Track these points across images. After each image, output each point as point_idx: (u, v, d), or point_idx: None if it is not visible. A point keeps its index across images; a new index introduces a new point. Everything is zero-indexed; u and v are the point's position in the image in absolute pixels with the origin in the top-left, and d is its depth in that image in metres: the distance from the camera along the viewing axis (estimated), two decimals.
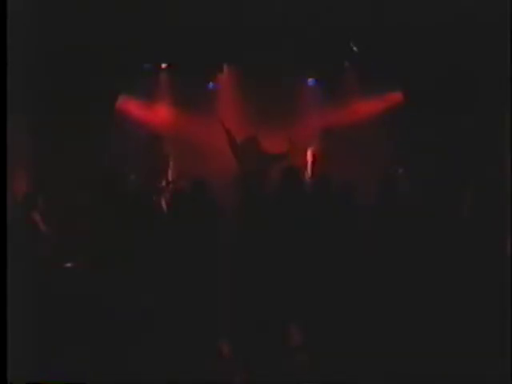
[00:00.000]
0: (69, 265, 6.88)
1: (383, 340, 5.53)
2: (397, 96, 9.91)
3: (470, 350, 5.42)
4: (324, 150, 9.19)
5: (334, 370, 5.37)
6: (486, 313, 5.59)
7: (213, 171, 8.96)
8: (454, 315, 5.60)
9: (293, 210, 6.21)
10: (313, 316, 5.72)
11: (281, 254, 5.92)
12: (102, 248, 6.28)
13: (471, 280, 5.75)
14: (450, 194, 6.63)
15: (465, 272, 5.79)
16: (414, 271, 5.83)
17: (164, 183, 8.83)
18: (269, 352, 5.62)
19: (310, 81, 10.05)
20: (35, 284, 5.75)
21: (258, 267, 5.88)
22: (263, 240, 6.01)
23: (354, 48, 9.30)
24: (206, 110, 10.01)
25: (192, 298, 5.73)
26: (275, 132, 9.52)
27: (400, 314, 5.66)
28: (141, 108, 10.03)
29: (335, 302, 5.75)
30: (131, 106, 9.94)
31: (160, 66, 9.87)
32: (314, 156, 9.04)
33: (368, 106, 10.07)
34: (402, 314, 5.65)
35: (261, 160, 8.93)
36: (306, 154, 9.07)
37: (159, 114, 10.12)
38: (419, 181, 7.96)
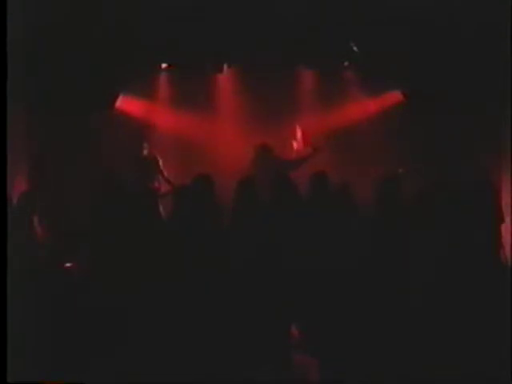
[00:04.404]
0: (68, 265, 6.88)
1: (382, 340, 5.53)
2: (396, 95, 9.92)
3: (471, 350, 5.42)
4: (324, 150, 9.20)
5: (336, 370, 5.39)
6: (485, 313, 5.59)
7: (213, 171, 8.97)
8: (455, 315, 5.60)
9: (293, 210, 6.21)
10: (312, 317, 5.73)
11: (282, 255, 5.93)
12: (101, 248, 6.28)
13: (471, 280, 5.75)
14: (450, 194, 6.62)
15: (465, 272, 5.79)
16: (414, 272, 5.83)
17: (163, 183, 8.84)
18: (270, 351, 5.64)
19: None
20: (35, 284, 5.75)
21: (257, 268, 5.88)
22: (263, 241, 6.01)
23: (354, 48, 9.30)
24: (206, 110, 10.03)
25: (191, 298, 5.73)
26: (275, 132, 9.53)
27: (401, 314, 5.66)
28: (141, 108, 10.04)
29: (336, 303, 5.75)
30: (131, 106, 9.95)
31: (160, 66, 9.88)
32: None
33: (367, 106, 10.08)
34: (403, 315, 5.65)
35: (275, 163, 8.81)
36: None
37: (159, 113, 10.12)
38: (419, 181, 7.97)
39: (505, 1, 7.86)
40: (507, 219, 7.29)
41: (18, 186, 8.09)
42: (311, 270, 5.83)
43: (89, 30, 8.68)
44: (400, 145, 9.55)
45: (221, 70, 9.88)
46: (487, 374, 5.23)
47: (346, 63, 9.81)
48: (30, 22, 8.04)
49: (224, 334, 5.58)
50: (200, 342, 5.50)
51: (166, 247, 5.96)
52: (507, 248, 7.16)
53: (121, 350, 5.46)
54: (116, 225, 6.20)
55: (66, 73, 8.93)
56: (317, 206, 6.25)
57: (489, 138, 8.99)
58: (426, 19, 8.61)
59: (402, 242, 5.96)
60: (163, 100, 10.13)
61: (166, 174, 8.93)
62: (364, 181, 7.65)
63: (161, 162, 8.98)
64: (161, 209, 7.82)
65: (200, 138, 9.92)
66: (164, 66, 9.85)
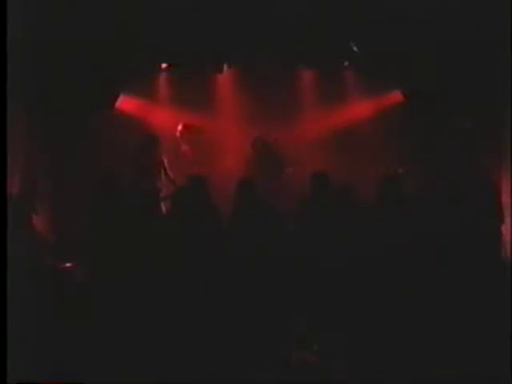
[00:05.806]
0: (68, 265, 6.89)
1: (383, 340, 5.53)
2: (396, 95, 9.91)
3: (471, 350, 5.42)
4: (324, 150, 9.20)
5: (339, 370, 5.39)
6: (486, 313, 5.59)
7: (213, 171, 8.98)
8: (455, 315, 5.60)
9: (292, 209, 6.22)
10: (312, 317, 5.73)
11: (282, 255, 5.93)
12: (101, 247, 6.29)
13: (471, 280, 5.75)
14: (450, 194, 6.63)
15: (465, 272, 5.79)
16: (414, 271, 5.84)
17: (163, 183, 8.84)
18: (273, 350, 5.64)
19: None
20: (35, 284, 5.75)
21: (257, 268, 5.88)
22: (263, 241, 6.01)
23: (354, 48, 9.30)
24: (206, 110, 10.02)
25: (192, 298, 5.73)
26: (275, 132, 9.52)
27: (401, 314, 5.66)
28: (141, 108, 10.03)
29: (336, 303, 5.75)
30: (131, 106, 9.94)
31: (160, 66, 9.87)
32: None
33: (367, 106, 10.07)
34: (403, 315, 5.65)
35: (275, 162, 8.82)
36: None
37: (159, 114, 10.12)
38: (419, 181, 7.97)
39: (505, 1, 7.86)
40: (507, 219, 7.29)
41: (17, 186, 8.09)
42: (311, 269, 5.83)
43: (89, 30, 8.66)
44: (400, 145, 9.55)
45: (221, 70, 9.88)
46: (487, 374, 5.23)
47: (346, 63, 9.80)
48: (30, 21, 8.04)
49: (224, 334, 5.58)
50: (200, 342, 5.50)
51: (166, 247, 5.96)
52: (507, 248, 7.17)
53: (121, 350, 5.47)
54: (116, 225, 6.21)
55: (66, 73, 8.92)
56: (317, 206, 6.25)
57: (489, 138, 8.98)
58: (425, 19, 8.60)
59: (401, 242, 5.96)
60: (163, 100, 10.12)
61: (170, 174, 8.91)
62: (364, 181, 7.65)
63: (166, 162, 8.96)
64: (161, 209, 7.85)
65: (200, 138, 9.90)
66: (164, 65, 9.85)
